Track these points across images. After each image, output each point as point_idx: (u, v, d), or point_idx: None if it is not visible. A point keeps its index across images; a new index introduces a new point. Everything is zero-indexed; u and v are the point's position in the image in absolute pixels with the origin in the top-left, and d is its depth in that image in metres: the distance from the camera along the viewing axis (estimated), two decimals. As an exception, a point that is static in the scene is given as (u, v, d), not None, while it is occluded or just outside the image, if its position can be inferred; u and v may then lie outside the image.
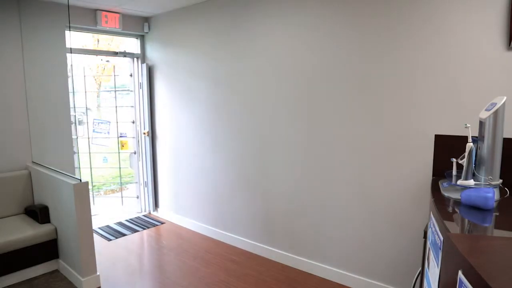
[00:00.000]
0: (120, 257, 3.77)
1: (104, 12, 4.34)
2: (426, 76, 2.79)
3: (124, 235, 4.35)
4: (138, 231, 4.47)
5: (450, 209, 1.52)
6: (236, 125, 3.95)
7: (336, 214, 3.38)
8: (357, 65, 3.10)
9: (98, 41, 9.50)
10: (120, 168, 5.29)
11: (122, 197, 5.16)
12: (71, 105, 4.07)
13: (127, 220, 4.79)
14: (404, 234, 2.97)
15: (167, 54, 4.69)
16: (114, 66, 5.10)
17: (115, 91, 5.08)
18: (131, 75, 4.99)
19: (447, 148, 1.75)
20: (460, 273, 1.00)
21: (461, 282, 1.00)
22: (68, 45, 4.03)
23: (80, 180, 3.02)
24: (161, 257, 3.76)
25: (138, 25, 4.80)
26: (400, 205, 2.97)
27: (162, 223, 4.75)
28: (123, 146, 5.10)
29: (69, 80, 4.15)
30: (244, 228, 4.02)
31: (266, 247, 3.86)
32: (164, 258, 3.74)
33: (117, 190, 5.95)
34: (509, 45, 2.51)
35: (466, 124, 1.61)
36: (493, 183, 1.55)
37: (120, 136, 5.01)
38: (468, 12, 2.62)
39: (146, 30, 4.85)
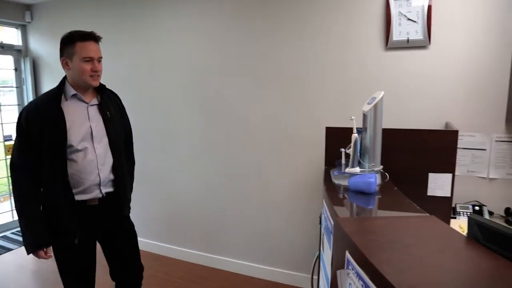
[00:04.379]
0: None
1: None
2: (317, 72, 2.98)
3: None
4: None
5: (340, 195, 1.65)
6: (136, 123, 3.82)
7: (238, 208, 3.45)
8: (253, 60, 3.19)
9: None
10: (8, 176, 4.75)
11: (12, 209, 4.62)
12: None
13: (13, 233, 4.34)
14: (303, 222, 3.15)
15: (56, 47, 4.33)
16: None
17: (-5, 88, 4.53)
18: (16, 70, 4.48)
19: (337, 139, 1.90)
20: (347, 253, 1.09)
21: (348, 261, 1.09)
22: None
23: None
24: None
25: (18, 13, 4.28)
26: (298, 195, 3.14)
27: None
28: (9, 151, 4.56)
29: None
30: (146, 228, 3.90)
31: (172, 247, 3.80)
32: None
33: (1, 200, 5.31)
34: (386, 46, 2.80)
35: (351, 117, 1.75)
36: (375, 169, 1.72)
37: (5, 140, 4.46)
38: (351, 15, 2.86)
39: (28, 19, 4.36)
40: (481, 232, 1.04)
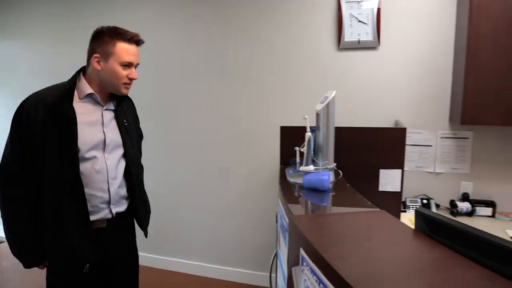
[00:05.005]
0: None
1: None
2: (272, 72, 3.01)
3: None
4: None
5: (295, 193, 1.67)
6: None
7: (194, 209, 3.42)
8: (208, 60, 3.17)
9: None
10: None
11: None
12: None
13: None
14: (261, 221, 3.17)
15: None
16: None
17: None
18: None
19: (292, 138, 1.92)
20: (301, 249, 1.10)
21: (302, 258, 1.11)
22: None
23: None
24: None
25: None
26: (255, 194, 3.16)
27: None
28: None
29: None
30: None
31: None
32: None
33: None
34: (338, 46, 2.87)
35: (304, 116, 1.78)
36: (328, 166, 1.76)
37: None
38: (305, 16, 2.91)
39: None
40: (427, 224, 1.09)
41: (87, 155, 1.65)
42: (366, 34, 2.81)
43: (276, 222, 2.01)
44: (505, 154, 2.68)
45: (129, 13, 3.37)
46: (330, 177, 1.69)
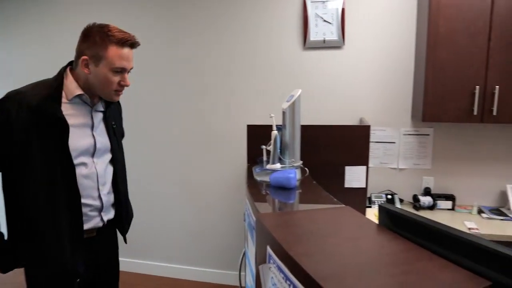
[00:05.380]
0: None
1: None
2: (238, 71, 3.01)
3: None
4: None
5: (263, 192, 1.68)
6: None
7: (161, 210, 3.37)
8: (172, 60, 3.13)
9: None
10: None
11: None
12: None
13: None
14: (230, 220, 3.16)
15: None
16: None
17: None
18: None
19: (259, 137, 1.92)
20: (268, 247, 1.11)
21: (269, 255, 1.11)
22: None
23: None
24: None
25: None
26: (224, 193, 3.15)
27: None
28: None
29: None
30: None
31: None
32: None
33: None
34: (304, 45, 2.90)
35: (270, 114, 1.79)
36: (295, 164, 1.77)
37: None
38: (271, 16, 2.93)
39: None
40: (390, 219, 1.12)
41: (76, 161, 1.49)
42: (331, 33, 2.85)
43: (244, 221, 2.01)
44: (463, 149, 2.79)
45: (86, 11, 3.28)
46: (297, 174, 1.70)
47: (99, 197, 1.60)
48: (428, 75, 2.50)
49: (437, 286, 0.81)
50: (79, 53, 1.48)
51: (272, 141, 1.74)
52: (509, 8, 2.36)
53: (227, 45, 3.01)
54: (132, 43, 1.52)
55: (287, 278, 0.96)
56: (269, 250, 1.10)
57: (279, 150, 1.77)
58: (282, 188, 1.62)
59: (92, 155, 1.57)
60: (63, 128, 1.43)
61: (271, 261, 1.09)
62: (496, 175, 2.76)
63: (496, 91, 2.42)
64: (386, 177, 2.90)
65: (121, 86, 1.55)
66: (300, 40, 2.90)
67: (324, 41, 2.86)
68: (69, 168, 1.46)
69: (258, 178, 1.78)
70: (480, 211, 2.68)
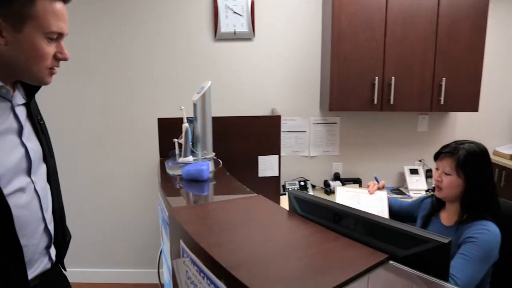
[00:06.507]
0: None
1: None
2: (149, 63, 2.91)
3: None
4: None
5: (176, 186, 1.65)
6: None
7: (74, 212, 3.16)
8: (81, 53, 2.92)
9: None
10: None
11: None
12: None
13: None
14: (146, 217, 3.07)
15: None
16: None
17: None
18: None
19: (171, 130, 1.88)
20: (181, 241, 1.09)
21: (183, 249, 1.10)
22: None
23: None
24: None
25: None
26: (138, 191, 3.04)
27: None
28: None
29: None
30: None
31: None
32: None
33: None
34: (215, 37, 2.89)
35: (181, 107, 1.76)
36: (207, 156, 1.77)
37: None
38: (182, 7, 2.86)
39: None
40: (298, 204, 1.16)
41: (7, 188, 1.01)
42: (241, 25, 2.87)
43: (159, 217, 1.96)
44: (366, 136, 3.01)
45: None
46: (210, 167, 1.70)
47: (45, 229, 1.18)
48: (333, 67, 2.65)
49: (340, 264, 0.86)
50: None
51: (183, 134, 1.71)
52: (401, 5, 2.58)
53: (136, 37, 2.89)
54: None
55: (200, 271, 0.96)
56: (182, 244, 1.09)
57: (191, 143, 1.75)
58: (196, 181, 1.61)
59: (29, 173, 1.11)
60: None
61: (185, 255, 1.08)
62: (396, 158, 3.02)
63: (393, 82, 2.64)
64: (299, 165, 3.02)
65: (58, 60, 1.09)
66: (211, 31, 2.88)
67: (234, 32, 2.87)
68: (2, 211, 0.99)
69: (171, 172, 1.74)
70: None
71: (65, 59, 1.10)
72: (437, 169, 1.69)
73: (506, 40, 3.04)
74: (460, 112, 2.96)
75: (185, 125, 1.71)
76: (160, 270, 2.54)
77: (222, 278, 0.84)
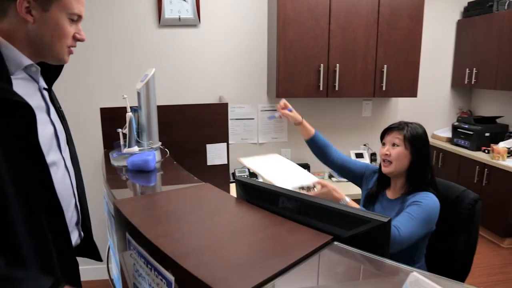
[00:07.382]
0: None
1: None
2: (89, 52, 2.77)
3: None
4: None
5: (122, 177, 1.60)
6: None
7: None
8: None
9: None
10: None
11: None
12: None
13: None
14: (92, 212, 2.96)
15: None
16: None
17: None
18: None
19: (115, 120, 1.81)
20: (127, 234, 1.06)
21: (129, 242, 1.07)
22: None
23: None
24: None
25: None
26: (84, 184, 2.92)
27: None
28: None
29: None
30: None
31: None
32: None
33: None
34: (159, 23, 2.80)
35: (123, 96, 1.70)
36: (154, 146, 1.73)
37: None
38: (119, -12, 2.74)
39: None
40: (246, 191, 1.17)
41: (48, 160, 1.05)
42: (186, 11, 2.81)
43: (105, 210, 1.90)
44: (313, 122, 3.05)
45: None
46: (156, 156, 1.66)
47: (75, 205, 1.25)
48: (280, 54, 2.67)
49: (287, 248, 0.88)
50: None
51: (127, 124, 1.66)
52: (343, -7, 2.64)
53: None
54: None
55: (148, 262, 0.94)
56: (128, 236, 1.06)
57: (135, 133, 1.70)
58: (142, 172, 1.57)
59: (60, 149, 1.18)
60: (28, 115, 0.97)
61: (132, 247, 1.05)
62: (342, 143, 3.11)
63: (337, 69, 2.70)
64: (248, 152, 3.03)
65: (75, 40, 1.17)
66: (155, 18, 2.79)
67: (179, 18, 2.81)
68: (43, 172, 1.03)
69: (116, 163, 1.69)
70: (330, 176, 3.01)
71: (82, 40, 1.19)
72: (383, 144, 1.76)
73: (442, 29, 3.21)
74: (401, 98, 3.10)
75: (129, 114, 1.65)
76: (110, 265, 2.47)
77: (169, 269, 0.83)
